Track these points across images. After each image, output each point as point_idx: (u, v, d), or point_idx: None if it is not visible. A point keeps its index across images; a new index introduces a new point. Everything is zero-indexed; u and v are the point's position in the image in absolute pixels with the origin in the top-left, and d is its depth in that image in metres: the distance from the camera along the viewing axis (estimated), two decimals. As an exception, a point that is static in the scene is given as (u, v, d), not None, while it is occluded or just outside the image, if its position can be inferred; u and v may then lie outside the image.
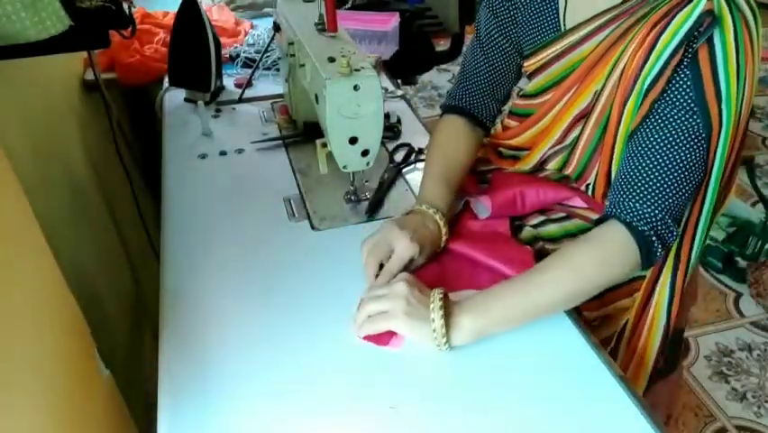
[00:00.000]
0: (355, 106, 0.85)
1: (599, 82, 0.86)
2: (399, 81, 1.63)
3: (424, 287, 0.77)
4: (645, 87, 0.78)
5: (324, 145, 0.97)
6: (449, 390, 0.70)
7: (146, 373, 1.06)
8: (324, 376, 0.71)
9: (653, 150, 0.78)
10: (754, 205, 2.29)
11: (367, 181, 1.04)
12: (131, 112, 1.66)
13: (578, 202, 0.95)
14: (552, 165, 0.98)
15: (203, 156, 1.14)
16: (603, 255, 0.78)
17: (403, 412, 0.67)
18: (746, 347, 1.81)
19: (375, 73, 0.86)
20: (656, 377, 0.93)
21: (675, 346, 0.96)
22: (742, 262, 2.06)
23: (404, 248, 0.82)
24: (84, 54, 1.43)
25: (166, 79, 1.39)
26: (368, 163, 0.93)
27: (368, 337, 0.75)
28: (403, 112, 1.26)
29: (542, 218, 0.96)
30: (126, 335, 1.24)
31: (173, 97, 1.36)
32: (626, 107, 0.82)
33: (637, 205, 0.78)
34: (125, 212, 1.52)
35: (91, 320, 0.78)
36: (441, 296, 0.74)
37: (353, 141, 0.89)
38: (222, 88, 1.40)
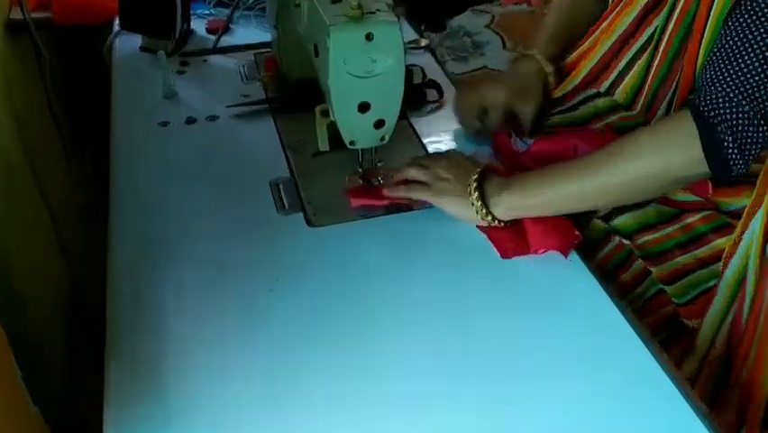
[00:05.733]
0: (368, 62, 0.83)
1: None
2: (423, 27, 1.61)
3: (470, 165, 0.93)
4: None
5: (325, 113, 0.94)
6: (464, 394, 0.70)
7: (84, 410, 1.06)
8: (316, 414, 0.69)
9: (743, 32, 0.80)
10: None
11: (380, 162, 1.01)
12: (70, 61, 1.66)
13: None
14: (618, 95, 1.05)
15: (164, 124, 1.12)
16: (655, 144, 0.83)
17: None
18: None
19: (395, 17, 0.83)
20: None
21: None
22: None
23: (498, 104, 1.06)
24: (10, -14, 1.41)
25: (116, 21, 1.37)
26: (383, 138, 0.91)
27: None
28: (428, 68, 1.24)
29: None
30: (60, 352, 1.24)
31: (126, 45, 1.34)
32: None
33: (714, 91, 0.80)
34: (58, 185, 1.51)
35: (14, 335, 0.77)
36: (476, 176, 0.88)
37: (364, 108, 0.87)
38: (189, 34, 1.37)
